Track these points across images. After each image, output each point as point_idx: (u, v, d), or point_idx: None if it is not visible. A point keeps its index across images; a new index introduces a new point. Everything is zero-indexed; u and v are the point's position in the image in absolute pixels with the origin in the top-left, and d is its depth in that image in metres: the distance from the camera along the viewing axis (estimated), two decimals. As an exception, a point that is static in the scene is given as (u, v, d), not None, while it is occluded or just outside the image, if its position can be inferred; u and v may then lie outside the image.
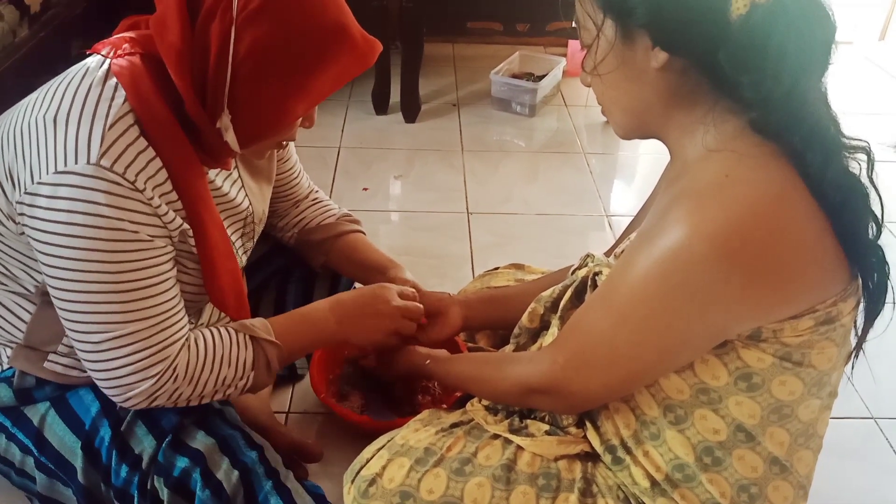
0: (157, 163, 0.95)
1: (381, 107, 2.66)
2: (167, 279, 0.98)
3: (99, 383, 0.99)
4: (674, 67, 0.86)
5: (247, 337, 1.07)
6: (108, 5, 2.71)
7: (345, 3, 0.99)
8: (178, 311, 1.00)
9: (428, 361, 1.20)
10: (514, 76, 2.79)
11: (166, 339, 0.98)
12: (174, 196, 0.98)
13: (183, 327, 1.01)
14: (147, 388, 0.97)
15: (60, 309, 0.96)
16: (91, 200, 0.90)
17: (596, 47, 0.91)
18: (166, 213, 0.96)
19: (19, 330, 1.06)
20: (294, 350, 1.15)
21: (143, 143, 0.94)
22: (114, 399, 1.00)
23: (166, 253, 0.98)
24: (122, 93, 0.94)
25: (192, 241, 1.01)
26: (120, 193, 0.91)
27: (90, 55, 1.00)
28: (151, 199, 0.94)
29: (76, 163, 0.89)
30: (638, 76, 0.89)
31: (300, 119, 1.03)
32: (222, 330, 1.06)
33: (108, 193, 0.90)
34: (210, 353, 1.03)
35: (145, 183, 0.93)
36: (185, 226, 0.99)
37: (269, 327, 1.10)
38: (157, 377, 0.97)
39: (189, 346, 1.01)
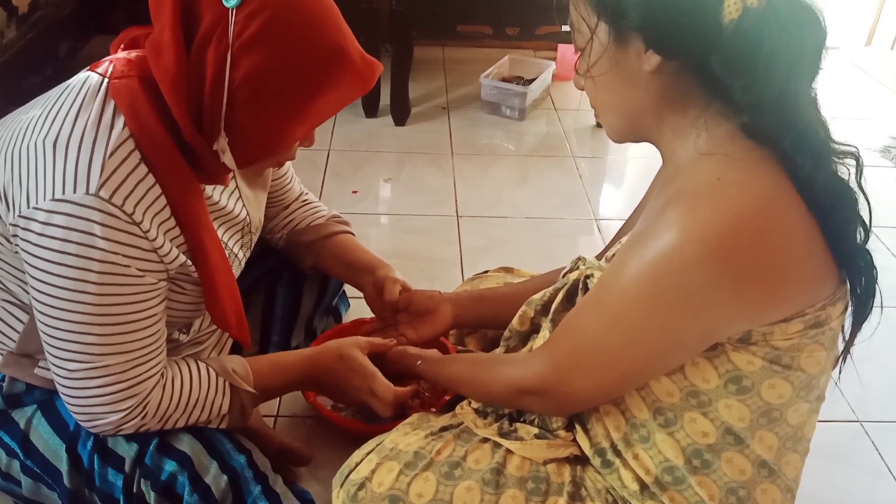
0: (157, 190, 0.94)
1: (370, 110, 2.66)
2: (152, 315, 0.98)
3: (69, 407, 0.99)
4: (666, 70, 0.86)
5: (226, 383, 1.07)
6: (97, 7, 2.71)
7: (344, 24, 0.97)
8: (157, 347, 1.00)
9: (419, 362, 1.20)
10: (504, 80, 2.80)
11: (141, 374, 0.98)
12: (173, 223, 0.97)
13: (160, 363, 1.01)
14: (115, 419, 0.98)
15: (42, 332, 0.95)
16: (87, 231, 0.89)
17: (589, 50, 0.91)
18: (163, 246, 0.95)
19: (11, 339, 1.06)
20: (268, 396, 1.17)
21: (143, 170, 0.93)
22: (81, 423, 1.00)
23: (155, 288, 0.97)
24: (121, 117, 0.93)
25: (192, 269, 1.01)
26: (116, 227, 0.90)
27: (89, 72, 0.99)
28: (149, 231, 0.93)
29: (75, 192, 0.89)
30: (631, 79, 0.89)
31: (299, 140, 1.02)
32: (202, 370, 1.06)
33: (104, 226, 0.90)
34: (185, 396, 1.03)
35: (143, 214, 0.92)
36: (184, 258, 0.99)
37: (249, 371, 1.10)
38: (127, 411, 0.98)
39: (164, 384, 1.01)
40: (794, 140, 0.82)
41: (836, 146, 0.85)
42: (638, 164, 2.50)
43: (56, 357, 0.95)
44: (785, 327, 0.85)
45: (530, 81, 2.77)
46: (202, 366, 1.07)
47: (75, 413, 0.99)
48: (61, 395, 0.99)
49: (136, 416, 0.99)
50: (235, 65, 0.90)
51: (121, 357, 0.95)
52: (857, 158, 0.86)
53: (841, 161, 0.85)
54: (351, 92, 0.97)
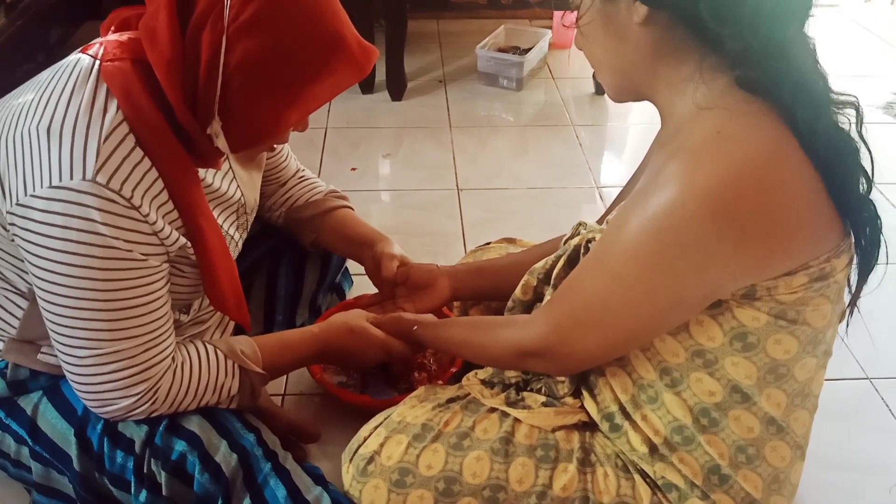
0: (153, 173, 0.93)
1: (367, 85, 2.64)
2: (157, 298, 0.97)
3: (79, 394, 0.99)
4: (658, 22, 0.85)
5: (235, 365, 1.07)
6: (86, -8, 2.69)
7: (341, 9, 0.96)
8: (166, 330, 1.00)
9: (416, 327, 1.19)
10: (500, 50, 2.77)
11: (151, 358, 0.98)
12: (170, 206, 0.97)
13: (169, 345, 1.01)
14: (126, 404, 0.98)
15: (48, 321, 0.95)
16: (86, 217, 0.88)
17: (579, 3, 0.90)
18: (163, 230, 0.95)
19: (11, 326, 1.06)
20: (277, 374, 1.18)
21: (138, 153, 0.92)
22: (91, 409, 1.00)
23: (159, 271, 0.97)
24: (114, 101, 0.92)
25: (190, 251, 1.01)
26: (115, 211, 0.90)
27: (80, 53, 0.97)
28: (148, 215, 0.92)
29: (71, 178, 0.88)
30: (622, 33, 0.89)
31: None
32: (211, 353, 1.06)
33: (103, 211, 0.89)
34: (195, 380, 1.03)
35: (142, 198, 0.92)
36: (183, 240, 0.98)
37: (257, 350, 1.10)
38: (138, 396, 0.98)
39: (175, 370, 1.01)
40: (792, 91, 0.81)
41: (836, 97, 0.84)
42: (639, 130, 2.48)
43: (64, 344, 0.95)
44: (789, 281, 0.84)
45: (527, 51, 2.74)
46: (210, 348, 1.07)
47: (85, 399, 0.99)
48: (70, 382, 0.98)
49: (147, 402, 0.99)
50: (230, 49, 0.89)
51: (130, 342, 0.95)
52: (856, 108, 0.85)
53: (841, 111, 0.84)
54: (347, 78, 0.96)
